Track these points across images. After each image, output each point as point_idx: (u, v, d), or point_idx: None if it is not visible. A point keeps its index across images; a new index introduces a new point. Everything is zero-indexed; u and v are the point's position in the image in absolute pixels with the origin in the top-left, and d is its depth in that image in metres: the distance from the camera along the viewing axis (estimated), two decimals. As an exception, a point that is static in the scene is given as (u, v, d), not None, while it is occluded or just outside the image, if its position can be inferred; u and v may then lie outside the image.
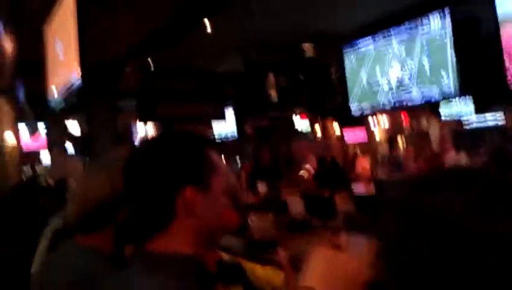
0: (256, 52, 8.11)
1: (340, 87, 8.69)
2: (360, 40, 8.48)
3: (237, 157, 12.64)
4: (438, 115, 9.69)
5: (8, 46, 6.29)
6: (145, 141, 1.13)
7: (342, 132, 11.51)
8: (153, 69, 7.47)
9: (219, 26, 5.95)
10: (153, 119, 12.18)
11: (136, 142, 13.03)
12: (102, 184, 1.33)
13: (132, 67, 7.77)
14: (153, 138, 1.09)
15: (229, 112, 12.39)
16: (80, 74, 4.39)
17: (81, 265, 1.27)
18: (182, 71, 8.96)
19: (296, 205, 4.29)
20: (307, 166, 7.36)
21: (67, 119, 11.05)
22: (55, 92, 6.09)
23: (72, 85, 4.81)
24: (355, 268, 0.80)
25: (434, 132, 10.09)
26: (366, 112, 8.86)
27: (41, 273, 1.43)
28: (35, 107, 8.13)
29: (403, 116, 10.70)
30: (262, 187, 6.74)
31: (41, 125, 10.86)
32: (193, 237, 0.94)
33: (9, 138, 9.09)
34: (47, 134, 11.59)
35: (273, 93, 8.97)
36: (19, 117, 9.78)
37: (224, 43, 7.16)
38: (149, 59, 7.39)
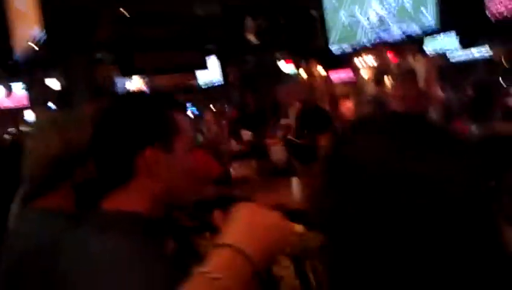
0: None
1: (320, 29, 8.49)
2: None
3: (224, 105, 12.54)
4: (423, 51, 9.57)
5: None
6: (113, 100, 1.12)
7: (327, 74, 11.37)
8: (128, 16, 7.16)
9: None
10: (132, 71, 11.94)
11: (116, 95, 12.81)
12: (52, 141, 1.27)
13: (106, 17, 7.44)
14: (119, 97, 1.10)
15: (212, 59, 12.17)
16: (44, 26, 4.16)
17: (42, 230, 1.23)
18: (158, 18, 8.60)
19: (277, 152, 4.26)
20: (290, 112, 7.30)
21: (46, 76, 10.75)
22: (19, 48, 5.83)
23: (34, 39, 4.56)
24: (279, 222, 0.77)
25: (420, 69, 10.00)
26: (347, 51, 8.74)
27: (8, 246, 1.36)
28: (5, 66, 7.85)
29: (389, 55, 10.56)
30: (246, 135, 6.70)
31: (18, 85, 10.62)
32: (151, 196, 0.94)
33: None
34: (28, 92, 11.33)
35: (252, 37, 8.72)
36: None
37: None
38: (122, 8, 7.07)
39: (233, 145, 6.65)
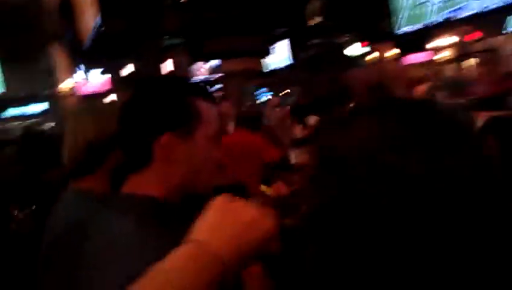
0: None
1: (387, 8, 7.96)
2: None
3: (289, 90, 12.39)
4: (506, 28, 8.74)
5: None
6: (137, 86, 1.10)
7: (399, 56, 10.78)
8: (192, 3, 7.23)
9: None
10: (202, 55, 12.14)
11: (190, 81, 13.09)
12: (88, 128, 1.34)
13: (173, 4, 7.56)
14: (143, 83, 1.07)
15: (281, 43, 12.06)
16: (101, 16, 4.28)
17: (74, 211, 1.28)
18: (224, 3, 8.59)
19: None
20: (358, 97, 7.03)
21: (121, 62, 11.19)
22: (88, 35, 6.10)
23: (96, 27, 4.72)
24: (257, 220, 0.72)
25: (504, 48, 9.18)
26: (419, 32, 8.10)
27: (48, 227, 1.42)
28: (81, 53, 8.27)
29: (467, 35, 9.79)
30: (312, 120, 6.53)
31: (97, 71, 11.14)
32: (167, 182, 0.94)
33: (65, 83, 9.42)
34: (112, 77, 11.78)
35: (318, 19, 8.43)
36: (75, 63, 10.06)
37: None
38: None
39: (298, 130, 6.52)
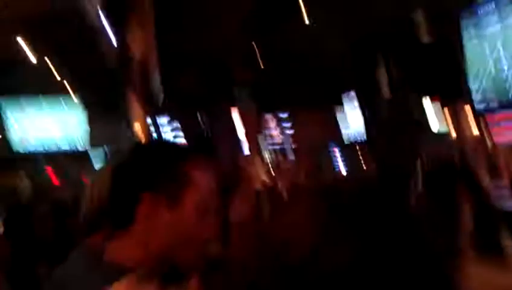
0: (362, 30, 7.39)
1: (462, 69, 7.26)
2: (480, 9, 6.88)
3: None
4: None
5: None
6: (133, 147, 1.10)
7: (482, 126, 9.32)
8: (260, 55, 7.38)
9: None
10: (272, 107, 12.29)
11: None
12: (103, 187, 1.29)
13: (244, 57, 7.77)
14: (137, 146, 1.14)
15: (351, 96, 11.85)
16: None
17: (68, 267, 1.21)
18: (294, 54, 8.64)
19: None
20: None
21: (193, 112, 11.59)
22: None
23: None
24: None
25: None
26: (492, 106, 7.09)
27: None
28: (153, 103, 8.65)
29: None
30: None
31: (167, 119, 11.67)
32: (145, 249, 0.90)
33: (138, 130, 9.86)
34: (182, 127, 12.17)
35: (384, 77, 8.11)
36: (150, 110, 10.54)
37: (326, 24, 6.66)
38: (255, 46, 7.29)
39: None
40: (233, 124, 10.21)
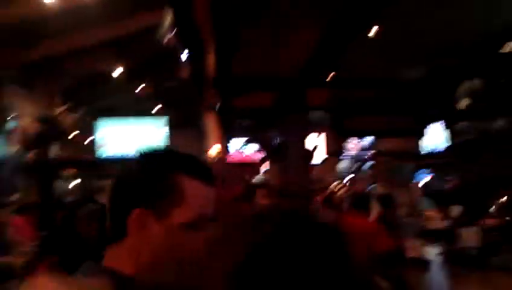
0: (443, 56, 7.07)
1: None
2: None
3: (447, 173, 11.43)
4: None
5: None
6: (130, 160, 1.09)
7: None
8: (334, 80, 7.32)
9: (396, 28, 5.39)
10: (349, 132, 12.09)
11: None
12: None
13: (318, 81, 7.73)
14: (137, 157, 1.03)
15: (434, 125, 11.45)
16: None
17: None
18: (367, 81, 8.47)
19: (471, 236, 3.60)
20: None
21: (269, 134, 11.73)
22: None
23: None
24: None
25: None
26: None
27: None
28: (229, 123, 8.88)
29: None
30: (454, 211, 5.87)
31: (243, 140, 11.94)
32: (137, 259, 0.90)
33: (214, 151, 10.14)
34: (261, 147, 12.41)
35: (466, 102, 7.67)
36: (229, 132, 10.86)
37: (406, 47, 6.47)
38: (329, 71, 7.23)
39: (434, 220, 5.88)
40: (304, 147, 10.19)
